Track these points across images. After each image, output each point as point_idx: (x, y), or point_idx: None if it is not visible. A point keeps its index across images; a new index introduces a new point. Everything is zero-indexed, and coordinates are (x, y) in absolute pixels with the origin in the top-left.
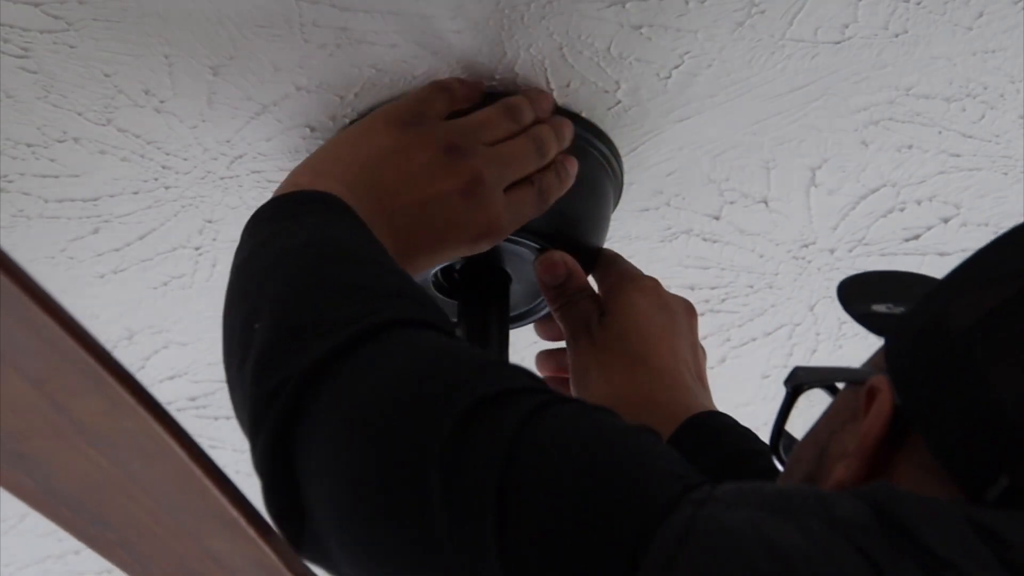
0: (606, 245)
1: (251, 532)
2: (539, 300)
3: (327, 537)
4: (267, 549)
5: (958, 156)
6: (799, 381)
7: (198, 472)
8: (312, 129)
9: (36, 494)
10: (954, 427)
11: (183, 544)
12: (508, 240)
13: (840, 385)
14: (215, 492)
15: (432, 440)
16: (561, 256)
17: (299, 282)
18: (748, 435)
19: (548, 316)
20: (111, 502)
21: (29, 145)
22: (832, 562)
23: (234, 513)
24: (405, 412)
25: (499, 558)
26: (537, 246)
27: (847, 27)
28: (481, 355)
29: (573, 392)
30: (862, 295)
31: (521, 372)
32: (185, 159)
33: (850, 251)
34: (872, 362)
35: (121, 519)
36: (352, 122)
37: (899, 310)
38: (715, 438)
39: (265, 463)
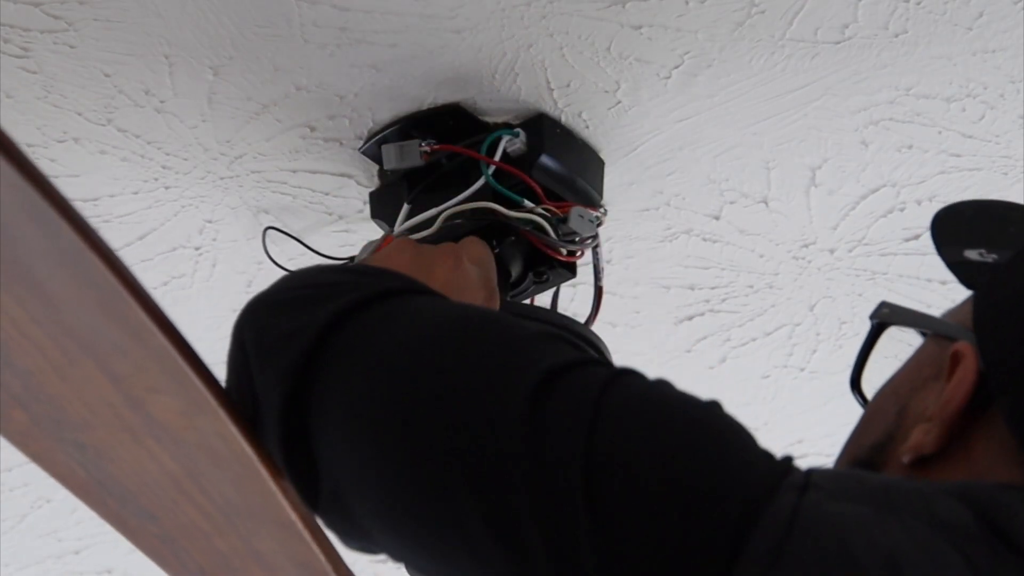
0: (605, 245)
1: (306, 535)
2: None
3: (347, 499)
4: (317, 551)
5: (958, 156)
6: (885, 318)
7: (265, 474)
8: (312, 129)
9: (85, 483)
10: None
11: (228, 542)
12: None
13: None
14: (279, 496)
15: (508, 410)
16: None
17: (323, 276)
18: None
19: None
20: (162, 497)
21: (29, 145)
22: (937, 565)
23: (293, 516)
24: (458, 381)
25: (590, 532)
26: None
27: (847, 27)
28: (525, 324)
29: None
30: (955, 236)
31: (571, 341)
32: (185, 159)
33: (850, 251)
34: (961, 314)
35: (168, 514)
36: (351, 122)
37: (992, 257)
38: None
39: (279, 423)
